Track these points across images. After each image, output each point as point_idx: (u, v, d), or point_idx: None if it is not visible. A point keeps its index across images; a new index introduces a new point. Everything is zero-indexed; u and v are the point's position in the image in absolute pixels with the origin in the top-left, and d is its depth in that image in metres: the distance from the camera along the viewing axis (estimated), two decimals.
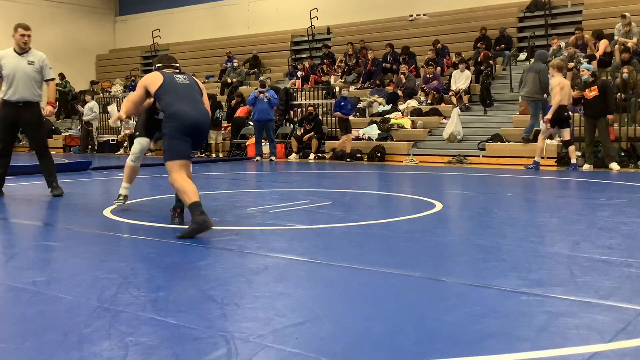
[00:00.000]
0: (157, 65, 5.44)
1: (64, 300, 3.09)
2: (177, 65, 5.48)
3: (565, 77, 11.34)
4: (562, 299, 3.01)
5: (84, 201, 7.30)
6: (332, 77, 18.75)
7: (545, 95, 12.17)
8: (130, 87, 20.31)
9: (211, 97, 16.38)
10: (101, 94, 21.91)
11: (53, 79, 7.57)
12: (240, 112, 16.91)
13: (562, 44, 14.84)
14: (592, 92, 10.99)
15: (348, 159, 14.11)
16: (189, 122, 4.94)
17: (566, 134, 11.01)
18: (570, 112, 11.30)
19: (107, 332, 2.59)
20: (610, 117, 10.98)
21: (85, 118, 18.69)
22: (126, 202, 6.39)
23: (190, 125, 4.95)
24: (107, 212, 5.99)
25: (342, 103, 14.43)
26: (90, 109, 18.69)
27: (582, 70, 11.50)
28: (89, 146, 18.89)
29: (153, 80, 5.13)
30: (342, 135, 14.56)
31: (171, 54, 23.67)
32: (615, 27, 14.22)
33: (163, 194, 7.42)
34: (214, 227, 4.69)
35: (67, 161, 12.85)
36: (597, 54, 13.71)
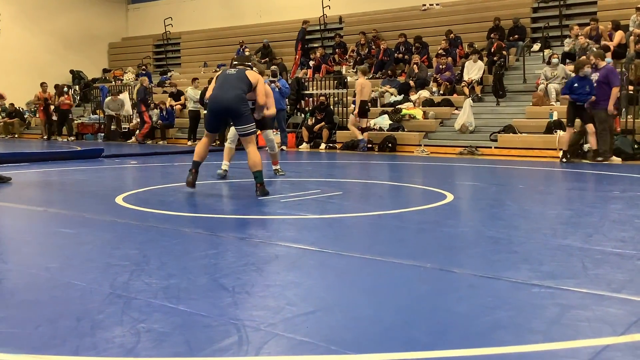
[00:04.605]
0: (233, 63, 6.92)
1: (77, 287, 3.12)
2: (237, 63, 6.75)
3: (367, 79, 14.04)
4: (574, 292, 3.00)
5: (96, 188, 7.34)
6: (344, 67, 18.69)
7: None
8: (141, 75, 20.25)
9: None
10: (113, 82, 21.95)
11: None
12: None
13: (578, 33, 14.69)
14: None
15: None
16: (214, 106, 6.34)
17: (364, 123, 13.84)
18: (369, 107, 14.06)
19: (119, 319, 2.61)
20: None
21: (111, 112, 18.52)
22: (226, 175, 7.73)
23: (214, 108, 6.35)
24: (119, 200, 6.02)
25: (576, 84, 10.50)
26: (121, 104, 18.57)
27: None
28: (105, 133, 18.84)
29: None
30: (568, 128, 10.88)
31: (182, 42, 23.88)
32: (630, 19, 14.07)
33: (174, 182, 7.46)
34: (226, 215, 4.70)
35: (79, 148, 12.92)
36: (612, 45, 13.57)
